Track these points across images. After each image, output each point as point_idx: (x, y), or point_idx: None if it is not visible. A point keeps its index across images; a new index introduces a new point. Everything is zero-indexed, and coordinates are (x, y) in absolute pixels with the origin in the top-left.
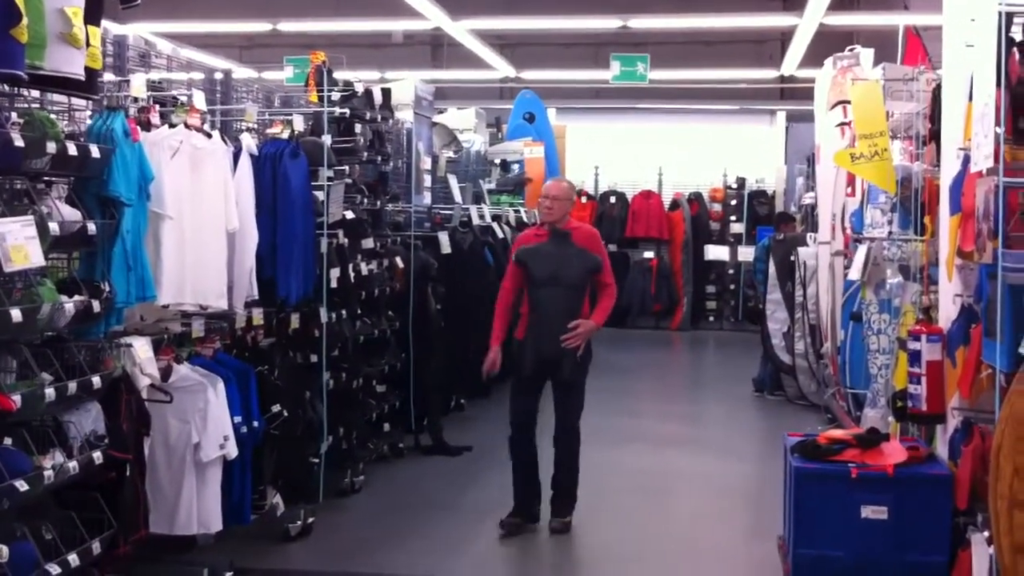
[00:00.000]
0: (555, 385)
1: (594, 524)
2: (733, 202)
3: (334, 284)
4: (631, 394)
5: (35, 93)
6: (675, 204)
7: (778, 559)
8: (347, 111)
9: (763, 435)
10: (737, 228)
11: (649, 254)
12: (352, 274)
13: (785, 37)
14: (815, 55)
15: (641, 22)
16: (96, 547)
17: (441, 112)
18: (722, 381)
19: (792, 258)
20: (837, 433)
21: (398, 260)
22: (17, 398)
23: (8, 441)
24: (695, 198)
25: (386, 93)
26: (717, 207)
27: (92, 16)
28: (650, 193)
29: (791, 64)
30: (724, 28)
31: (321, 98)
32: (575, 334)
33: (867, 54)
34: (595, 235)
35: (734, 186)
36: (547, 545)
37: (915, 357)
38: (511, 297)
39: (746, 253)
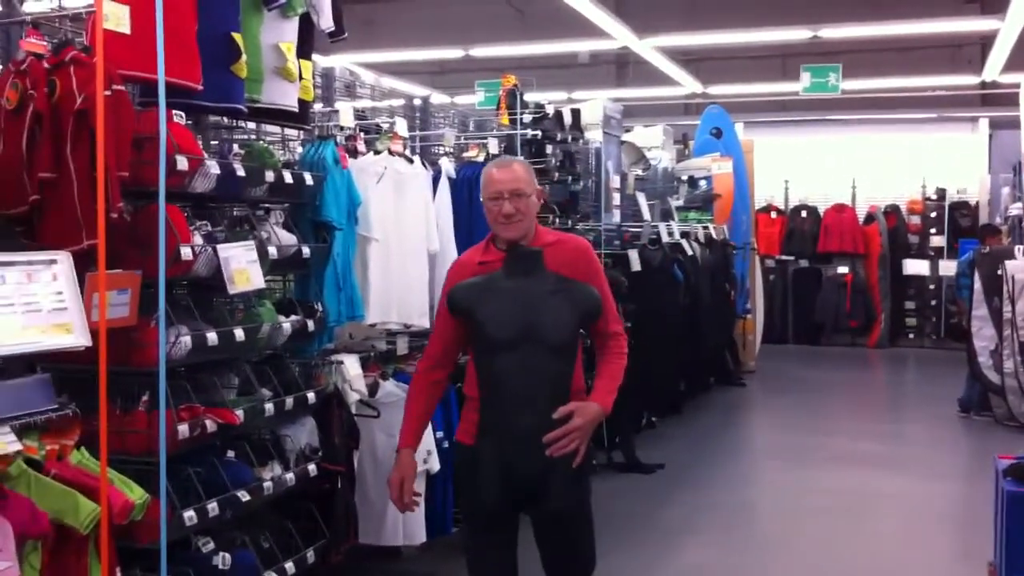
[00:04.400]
0: (539, 524)
1: (792, 547)
2: (933, 214)
3: None
4: (826, 413)
5: (251, 124)
6: (870, 217)
7: None
8: (539, 133)
9: (969, 456)
10: (937, 241)
11: (843, 269)
12: None
13: (985, 41)
14: (1020, 59)
15: (832, 31)
16: (311, 555)
17: (628, 130)
18: (924, 400)
19: (999, 272)
20: None
21: None
22: (240, 413)
23: (231, 453)
24: (892, 210)
25: (575, 114)
26: (916, 219)
27: (304, 50)
28: (843, 206)
29: (993, 69)
30: (919, 35)
31: (513, 120)
32: (570, 429)
33: None
34: (584, 249)
35: (934, 197)
36: (750, 566)
37: None
38: (432, 377)
39: (948, 267)
